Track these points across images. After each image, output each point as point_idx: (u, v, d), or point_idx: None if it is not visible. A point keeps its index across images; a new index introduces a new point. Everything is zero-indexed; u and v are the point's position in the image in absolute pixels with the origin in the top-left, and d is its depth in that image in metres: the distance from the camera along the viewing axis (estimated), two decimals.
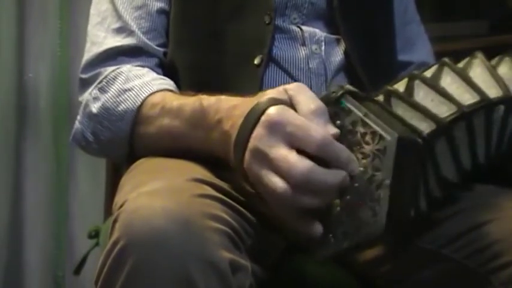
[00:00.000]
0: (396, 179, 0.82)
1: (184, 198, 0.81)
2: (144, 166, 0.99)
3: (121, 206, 0.82)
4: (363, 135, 0.83)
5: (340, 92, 0.85)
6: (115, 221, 0.80)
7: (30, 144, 1.95)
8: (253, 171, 0.84)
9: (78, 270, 1.13)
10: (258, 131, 0.83)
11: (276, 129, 0.82)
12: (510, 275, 0.86)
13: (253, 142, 0.83)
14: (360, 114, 0.84)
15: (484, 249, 0.88)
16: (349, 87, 0.86)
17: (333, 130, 0.83)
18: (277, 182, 0.81)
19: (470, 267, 0.89)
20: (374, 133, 0.83)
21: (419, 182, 0.87)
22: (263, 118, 0.83)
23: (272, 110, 0.83)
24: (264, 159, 0.82)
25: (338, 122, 0.85)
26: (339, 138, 0.84)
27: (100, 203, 1.52)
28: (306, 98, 0.85)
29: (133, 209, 0.79)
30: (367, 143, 0.83)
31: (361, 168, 0.83)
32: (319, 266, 1.00)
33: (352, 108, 0.84)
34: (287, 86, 0.87)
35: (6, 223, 1.91)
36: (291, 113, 0.83)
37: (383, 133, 0.82)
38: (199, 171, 0.91)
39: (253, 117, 0.84)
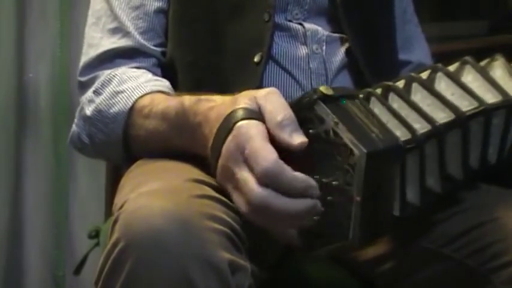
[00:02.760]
0: (369, 192, 0.80)
1: (184, 198, 0.81)
2: (143, 167, 0.99)
3: (121, 207, 0.82)
4: (335, 145, 0.82)
5: (314, 98, 0.83)
6: (115, 222, 0.80)
7: (30, 144, 1.95)
8: (223, 186, 0.86)
9: (78, 270, 1.13)
10: (226, 147, 0.84)
11: (240, 149, 0.83)
12: (511, 274, 0.86)
13: (222, 159, 0.84)
14: (331, 123, 0.82)
15: (485, 249, 0.88)
16: (322, 90, 0.84)
17: (298, 140, 0.82)
18: (241, 204, 0.83)
19: (471, 267, 0.89)
20: (345, 146, 0.81)
21: (403, 184, 0.86)
22: (232, 134, 0.83)
23: (240, 126, 0.83)
24: (231, 177, 0.84)
25: (311, 130, 0.83)
26: (312, 146, 0.82)
27: (100, 203, 1.52)
28: (273, 108, 0.84)
29: (133, 209, 0.79)
30: (340, 155, 0.81)
31: (334, 183, 0.81)
32: (318, 266, 1.00)
33: (324, 116, 0.82)
34: (257, 94, 0.86)
35: (6, 223, 1.91)
36: (253, 133, 0.82)
37: (352, 147, 0.80)
38: (198, 172, 0.91)
39: (224, 131, 0.84)
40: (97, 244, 1.16)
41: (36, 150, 1.95)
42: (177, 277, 0.76)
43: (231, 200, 0.87)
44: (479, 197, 0.95)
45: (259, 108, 0.85)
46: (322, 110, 0.83)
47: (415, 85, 0.90)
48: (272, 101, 0.85)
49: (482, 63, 0.97)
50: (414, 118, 0.88)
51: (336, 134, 0.81)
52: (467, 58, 0.95)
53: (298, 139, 0.82)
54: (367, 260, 0.98)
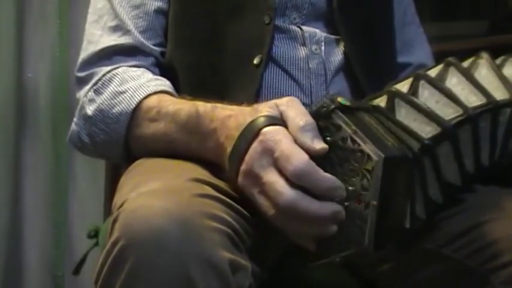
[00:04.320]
0: (385, 198, 0.82)
1: (184, 198, 0.81)
2: (143, 166, 0.99)
3: (120, 206, 0.82)
4: (352, 152, 0.83)
5: (331, 107, 0.85)
6: (114, 221, 0.80)
7: (30, 144, 1.95)
8: (246, 191, 0.86)
9: (77, 270, 1.13)
10: (251, 153, 0.85)
11: (268, 152, 0.84)
12: (510, 274, 0.86)
13: (246, 165, 0.85)
14: (349, 131, 0.84)
15: (484, 249, 0.88)
16: (340, 100, 0.86)
17: (320, 145, 0.84)
18: (268, 208, 0.84)
19: (471, 267, 0.89)
20: (362, 152, 0.82)
21: (417, 191, 0.87)
22: (256, 142, 0.85)
23: (266, 131, 0.85)
24: (256, 182, 0.85)
25: (328, 138, 0.85)
26: (329, 153, 0.84)
27: (99, 203, 1.52)
28: (296, 114, 0.86)
29: (133, 209, 0.79)
30: (356, 161, 0.83)
31: (350, 188, 0.83)
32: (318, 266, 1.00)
33: (342, 124, 0.84)
34: (278, 101, 0.88)
35: (5, 223, 1.91)
36: (280, 138, 0.84)
37: (370, 153, 0.82)
38: (198, 171, 0.91)
39: (247, 138, 0.86)
40: (96, 244, 1.16)
41: (36, 150, 1.95)
42: (177, 276, 0.76)
43: (232, 200, 0.87)
44: (478, 197, 0.95)
45: (281, 114, 0.87)
46: (340, 118, 0.85)
47: (397, 100, 0.91)
48: (294, 107, 0.87)
49: (467, 63, 0.97)
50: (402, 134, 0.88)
51: (353, 141, 0.83)
52: (451, 59, 0.95)
53: (319, 144, 0.84)
54: (367, 261, 0.98)
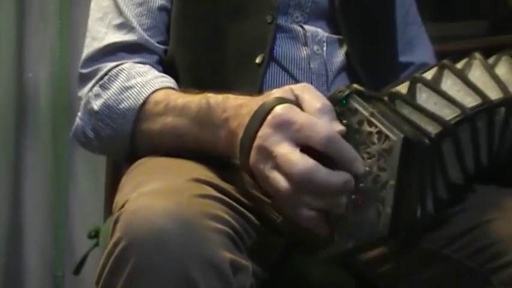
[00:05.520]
0: (401, 179, 0.82)
1: (185, 198, 0.81)
2: (144, 166, 0.99)
3: (122, 206, 0.82)
4: (369, 134, 0.83)
5: (347, 92, 0.85)
6: (116, 222, 0.80)
7: (30, 143, 1.95)
8: (258, 169, 0.84)
9: (77, 270, 1.13)
10: (264, 129, 0.83)
11: (282, 127, 0.83)
12: (510, 275, 0.86)
13: (258, 140, 0.84)
14: (366, 114, 0.84)
15: (485, 249, 0.88)
16: (356, 86, 0.86)
17: (339, 127, 0.84)
18: (280, 181, 0.82)
19: (471, 267, 0.89)
20: (380, 133, 0.83)
21: (426, 183, 0.87)
22: (270, 116, 0.84)
23: (279, 109, 0.84)
24: (268, 156, 0.83)
25: (344, 121, 0.85)
26: (345, 137, 0.84)
27: (100, 203, 1.52)
28: (312, 97, 0.85)
29: (134, 209, 0.79)
30: (373, 143, 0.83)
31: (367, 168, 0.83)
32: (319, 266, 1.00)
33: (359, 107, 0.84)
34: (293, 86, 0.88)
35: (5, 223, 1.91)
36: (297, 111, 0.84)
37: (389, 133, 0.82)
38: (199, 171, 0.91)
39: (260, 116, 0.84)
40: (96, 244, 1.16)
41: (36, 150, 1.95)
42: (178, 277, 0.76)
43: (233, 200, 0.87)
44: (478, 197, 0.95)
45: (297, 98, 0.86)
46: (357, 101, 0.85)
47: (398, 102, 0.91)
48: (310, 91, 0.86)
49: (460, 64, 0.97)
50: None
51: (370, 123, 0.83)
52: (445, 61, 0.96)
53: (338, 126, 0.84)
54: (367, 260, 0.98)
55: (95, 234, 1.16)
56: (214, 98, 0.94)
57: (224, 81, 1.08)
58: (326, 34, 1.13)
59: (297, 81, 1.09)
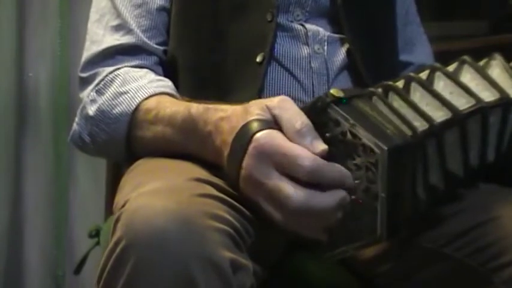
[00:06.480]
0: (392, 188, 0.82)
1: (185, 197, 0.81)
2: (144, 166, 0.99)
3: (122, 206, 0.82)
4: (354, 146, 0.83)
5: (327, 101, 0.85)
6: (116, 221, 0.80)
7: (30, 144, 1.95)
8: (250, 197, 0.86)
9: (78, 269, 1.13)
10: (248, 160, 0.84)
11: (266, 158, 0.83)
12: (511, 274, 0.86)
13: (246, 171, 0.85)
14: (347, 125, 0.83)
15: (486, 248, 0.88)
16: (333, 93, 0.85)
17: (321, 147, 0.84)
18: (274, 213, 0.84)
19: (472, 266, 0.89)
20: (364, 145, 0.82)
21: (417, 182, 0.87)
22: (251, 147, 0.84)
23: (259, 137, 0.84)
24: (259, 188, 0.84)
25: (327, 134, 0.84)
26: (331, 148, 0.84)
27: (100, 203, 1.52)
28: (290, 117, 0.85)
29: (135, 208, 0.79)
30: (359, 155, 0.83)
31: (357, 181, 0.83)
32: (319, 266, 1.00)
33: (340, 119, 0.84)
34: (269, 104, 0.87)
35: (6, 223, 1.91)
36: (278, 140, 0.84)
37: (373, 146, 0.82)
38: (200, 170, 0.91)
39: (243, 142, 0.85)
40: (97, 243, 1.16)
41: (36, 150, 1.95)
42: (179, 276, 0.76)
43: (233, 199, 0.87)
44: (479, 196, 0.95)
45: (275, 117, 0.86)
46: (337, 112, 0.84)
47: (414, 84, 0.91)
48: (286, 108, 0.86)
49: (481, 62, 0.98)
50: (413, 117, 0.88)
51: (353, 135, 0.83)
52: (466, 57, 0.96)
53: (319, 146, 0.84)
54: (367, 260, 0.98)
55: (95, 234, 1.16)
56: (195, 109, 0.94)
57: (225, 80, 1.08)
58: (327, 33, 1.13)
59: (298, 81, 1.09)
